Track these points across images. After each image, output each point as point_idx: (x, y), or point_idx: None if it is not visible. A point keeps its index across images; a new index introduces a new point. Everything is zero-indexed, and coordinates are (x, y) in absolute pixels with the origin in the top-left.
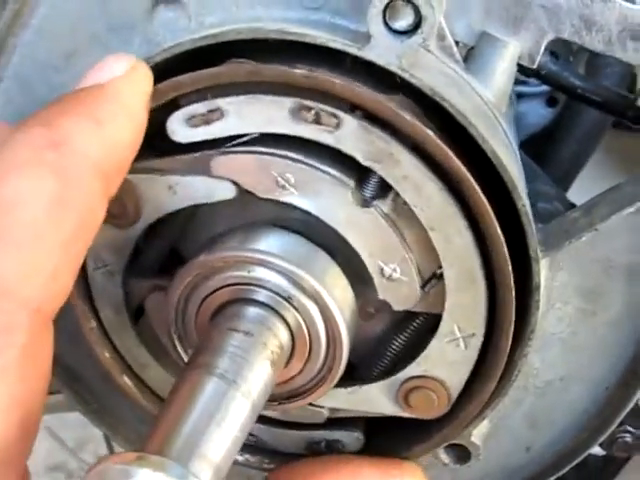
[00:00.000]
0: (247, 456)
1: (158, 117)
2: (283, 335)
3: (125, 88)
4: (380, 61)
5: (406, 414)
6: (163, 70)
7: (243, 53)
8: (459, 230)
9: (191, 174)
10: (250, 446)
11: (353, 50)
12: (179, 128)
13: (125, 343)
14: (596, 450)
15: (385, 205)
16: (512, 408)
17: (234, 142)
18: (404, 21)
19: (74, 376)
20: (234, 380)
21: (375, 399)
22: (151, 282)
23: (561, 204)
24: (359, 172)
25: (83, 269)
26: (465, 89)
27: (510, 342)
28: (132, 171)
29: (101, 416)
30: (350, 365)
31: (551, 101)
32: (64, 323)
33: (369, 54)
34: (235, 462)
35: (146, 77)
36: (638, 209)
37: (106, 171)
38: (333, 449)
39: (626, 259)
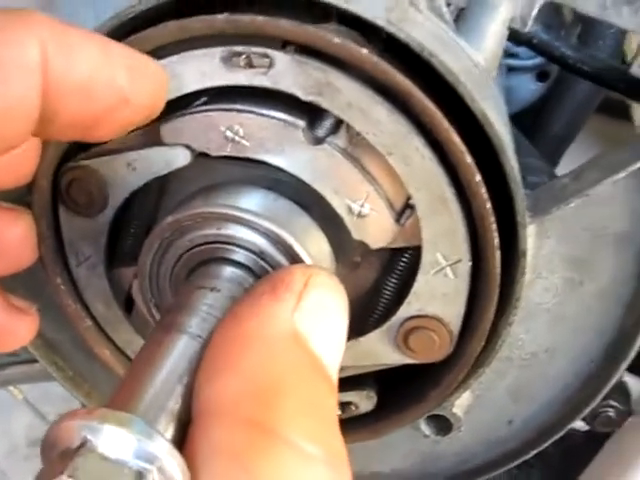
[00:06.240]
0: None
1: None
2: None
3: None
4: (367, 15)
5: (410, 360)
6: (142, 23)
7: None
8: (416, 149)
9: (145, 147)
10: None
11: (338, 3)
12: None
13: (122, 336)
14: (579, 425)
15: (339, 139)
16: (495, 380)
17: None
18: None
19: (49, 344)
20: (203, 337)
21: (377, 350)
22: (133, 268)
23: (549, 178)
24: (310, 113)
25: (67, 269)
26: (455, 50)
27: (498, 264)
28: (89, 156)
29: (77, 383)
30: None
31: (541, 76)
32: (38, 293)
33: (356, 8)
34: None
35: None
36: (629, 175)
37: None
38: (347, 411)
39: (615, 227)
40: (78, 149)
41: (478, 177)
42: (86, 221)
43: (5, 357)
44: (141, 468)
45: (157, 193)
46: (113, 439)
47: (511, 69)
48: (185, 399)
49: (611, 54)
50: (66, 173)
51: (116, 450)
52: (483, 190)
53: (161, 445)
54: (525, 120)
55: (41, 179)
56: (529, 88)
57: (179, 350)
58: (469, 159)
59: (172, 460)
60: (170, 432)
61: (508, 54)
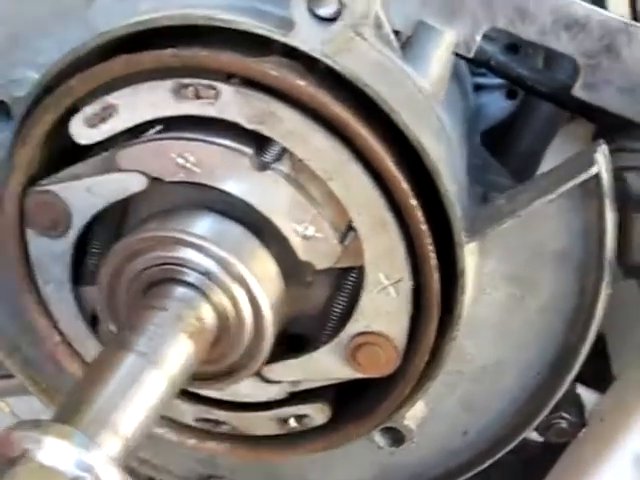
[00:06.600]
0: (214, 443)
1: (68, 129)
2: (208, 314)
3: None
4: (304, 47)
5: (359, 374)
6: (100, 56)
7: (184, 39)
8: (356, 175)
9: (103, 173)
10: (222, 434)
11: (277, 36)
12: (81, 131)
13: (89, 351)
14: (535, 435)
15: (284, 165)
16: (447, 392)
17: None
18: (328, 8)
19: (25, 360)
20: (149, 356)
21: (328, 364)
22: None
23: None
24: (259, 140)
25: (35, 287)
26: (398, 77)
27: (437, 283)
28: (52, 182)
29: (51, 395)
30: (301, 337)
31: (511, 93)
32: (15, 312)
33: (293, 40)
34: (203, 449)
35: None
36: (560, 195)
37: None
38: (302, 424)
39: (552, 245)
40: (43, 174)
41: (413, 201)
42: (52, 242)
43: None
44: (77, 476)
45: (119, 215)
46: (53, 450)
47: (481, 87)
48: (130, 415)
49: (571, 70)
50: (30, 196)
51: (55, 460)
52: (419, 213)
53: (98, 456)
54: (496, 137)
55: (8, 202)
56: (499, 105)
57: (126, 368)
58: (404, 185)
59: (108, 470)
60: (111, 446)
61: (478, 73)
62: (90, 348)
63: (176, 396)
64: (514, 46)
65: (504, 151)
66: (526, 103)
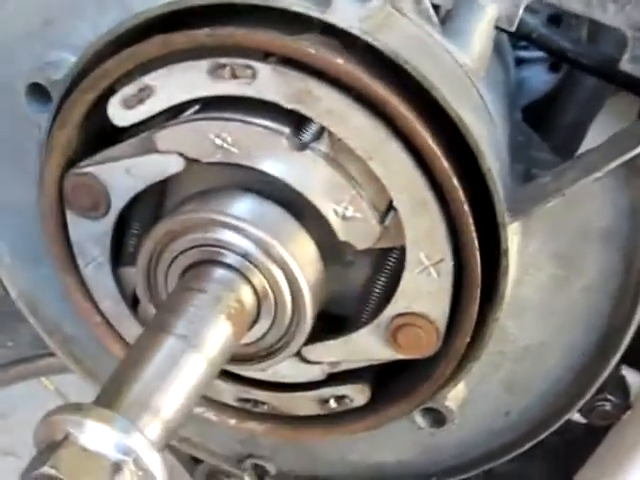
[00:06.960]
0: (254, 423)
1: (105, 111)
2: (247, 296)
3: None
4: (342, 24)
5: (400, 355)
6: (135, 37)
7: (219, 18)
8: (396, 154)
9: (141, 154)
10: (262, 414)
11: (315, 13)
12: (118, 112)
13: (130, 331)
14: (579, 417)
15: (322, 145)
16: (489, 373)
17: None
18: None
19: (66, 339)
20: (189, 339)
21: (368, 345)
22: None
23: None
24: (297, 119)
25: (76, 269)
26: (438, 53)
27: (478, 263)
28: (90, 163)
29: (94, 373)
30: (340, 317)
31: (554, 66)
32: (61, 292)
33: (331, 17)
34: (243, 429)
35: None
36: (606, 174)
37: None
38: (342, 404)
39: (597, 224)
40: (81, 156)
41: (454, 180)
42: (91, 224)
43: (40, 349)
44: (118, 460)
45: (158, 195)
46: (94, 433)
47: (523, 61)
48: (171, 398)
49: (618, 43)
50: (69, 178)
51: (96, 443)
52: (460, 193)
53: (139, 440)
54: (539, 111)
55: (47, 184)
56: (542, 79)
57: (165, 350)
58: (445, 164)
59: (148, 453)
60: (152, 429)
61: (520, 46)
62: (131, 328)
63: (216, 376)
64: (556, 17)
65: (547, 126)
66: (569, 76)
